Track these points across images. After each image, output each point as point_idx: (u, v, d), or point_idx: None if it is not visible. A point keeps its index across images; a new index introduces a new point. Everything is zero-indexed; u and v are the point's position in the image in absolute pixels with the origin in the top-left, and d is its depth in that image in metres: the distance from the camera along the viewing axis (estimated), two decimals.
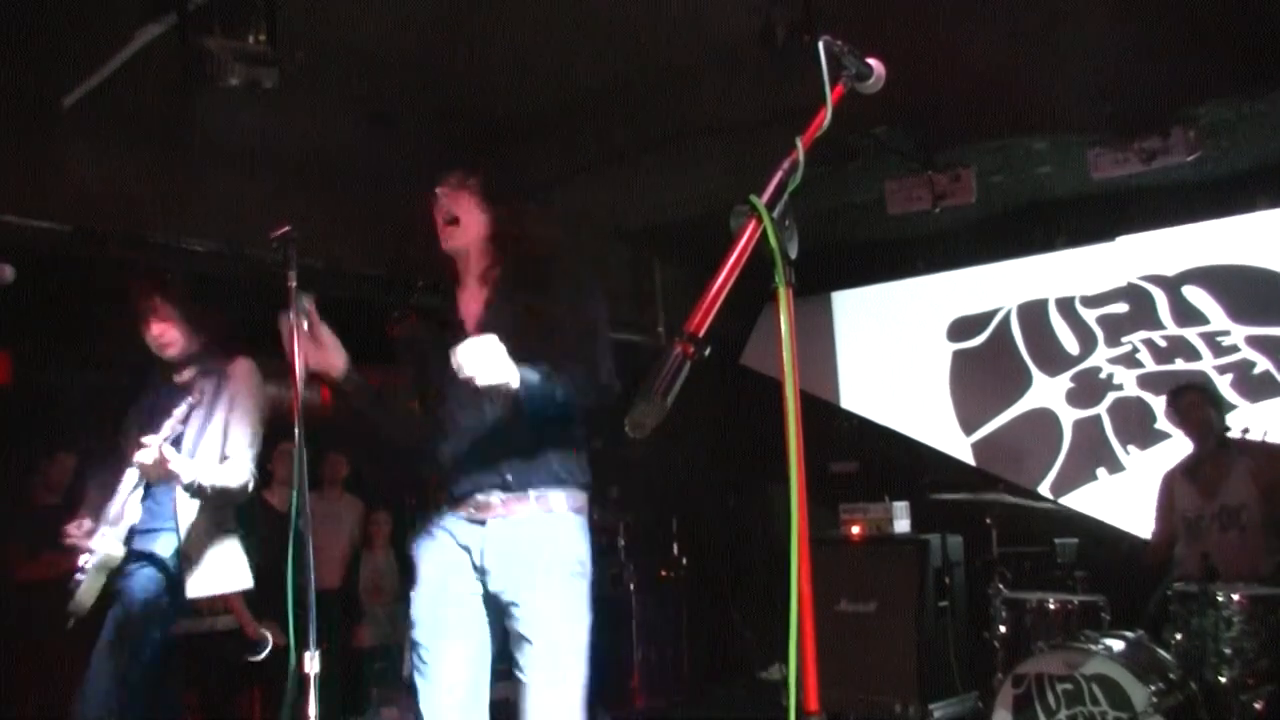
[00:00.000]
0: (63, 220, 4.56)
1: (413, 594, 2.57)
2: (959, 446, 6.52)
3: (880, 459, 6.70)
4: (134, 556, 3.58)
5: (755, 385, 6.79)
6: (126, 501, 3.57)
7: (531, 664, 2.41)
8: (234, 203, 5.07)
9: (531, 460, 2.50)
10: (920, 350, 6.76)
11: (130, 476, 3.55)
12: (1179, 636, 4.08)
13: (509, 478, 2.48)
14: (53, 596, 5.56)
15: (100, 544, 3.55)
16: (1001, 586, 4.66)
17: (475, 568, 2.49)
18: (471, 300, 2.71)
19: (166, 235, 4.91)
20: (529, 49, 4.05)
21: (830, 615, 5.52)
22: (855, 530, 5.88)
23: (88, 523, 3.61)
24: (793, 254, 1.54)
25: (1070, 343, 6.27)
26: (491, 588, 2.48)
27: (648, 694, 6.46)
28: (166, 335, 3.74)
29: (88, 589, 3.61)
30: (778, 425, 1.48)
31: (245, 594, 4.10)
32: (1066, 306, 6.30)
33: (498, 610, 2.50)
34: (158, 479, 3.50)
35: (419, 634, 2.52)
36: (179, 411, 3.51)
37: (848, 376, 7.10)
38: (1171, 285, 5.95)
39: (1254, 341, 5.66)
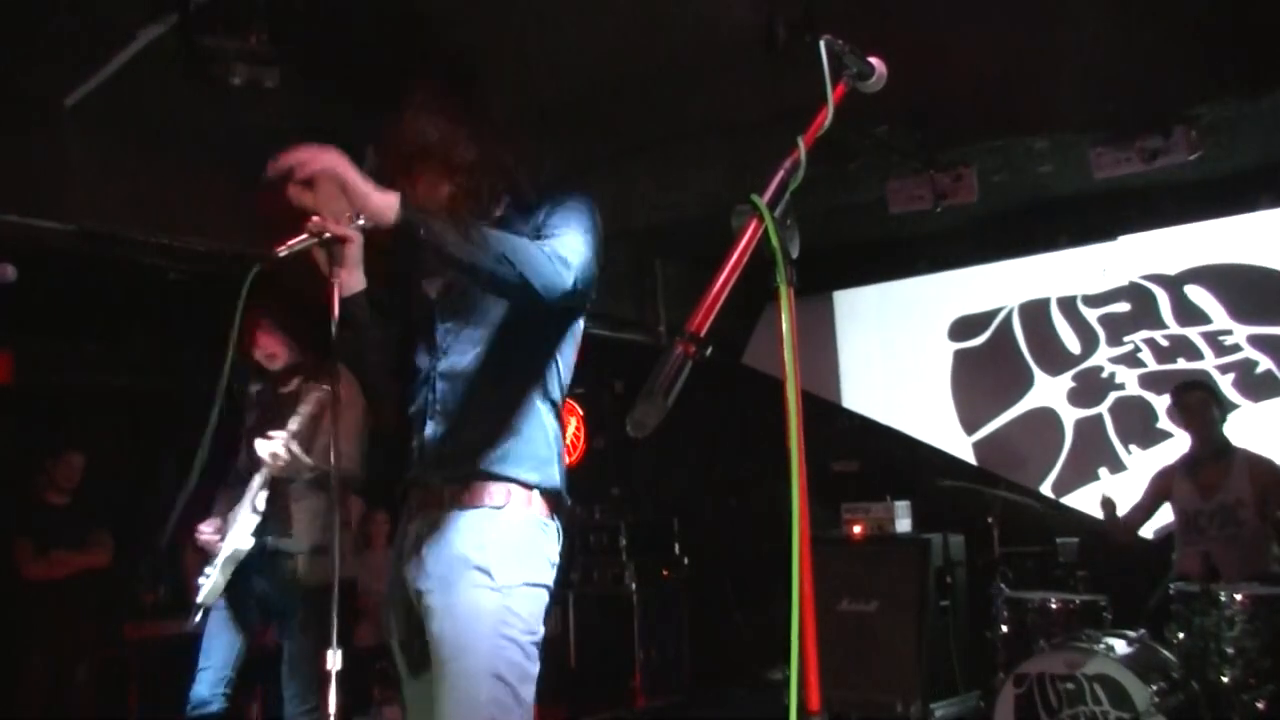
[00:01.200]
0: (65, 220, 4.56)
1: None
2: (960, 446, 6.51)
3: (882, 458, 6.70)
4: (269, 547, 3.89)
5: (756, 385, 6.79)
6: (255, 498, 3.87)
7: None
8: (234, 202, 5.07)
9: None
10: (922, 350, 6.75)
11: (259, 476, 3.85)
12: (1181, 636, 4.08)
13: None
14: (64, 596, 5.62)
15: (230, 539, 3.84)
16: (1003, 586, 4.66)
17: None
18: None
19: (168, 235, 4.91)
20: (528, 49, 4.05)
21: (832, 615, 5.52)
22: (857, 530, 5.88)
23: (217, 521, 3.94)
24: (794, 253, 1.54)
25: (1072, 342, 6.27)
26: None
27: (649, 693, 6.46)
28: (272, 349, 4.10)
29: (216, 584, 3.87)
30: (779, 425, 1.48)
31: None
32: (1068, 306, 6.30)
33: None
34: (285, 474, 3.83)
35: None
36: (302, 412, 3.86)
37: (849, 376, 7.09)
38: (1173, 284, 5.95)
39: (1256, 341, 5.66)
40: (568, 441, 7.71)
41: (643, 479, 7.57)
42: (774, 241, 1.52)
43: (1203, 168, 5.05)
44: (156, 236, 4.87)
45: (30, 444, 6.12)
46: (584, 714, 6.30)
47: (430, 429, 2.21)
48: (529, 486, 2.16)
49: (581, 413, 7.71)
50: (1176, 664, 3.95)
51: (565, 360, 2.29)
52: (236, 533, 3.85)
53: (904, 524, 5.87)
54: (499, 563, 2.09)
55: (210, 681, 3.83)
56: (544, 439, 2.22)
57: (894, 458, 6.68)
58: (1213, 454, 4.67)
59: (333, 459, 2.72)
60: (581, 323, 2.33)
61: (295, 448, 3.77)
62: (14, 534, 5.67)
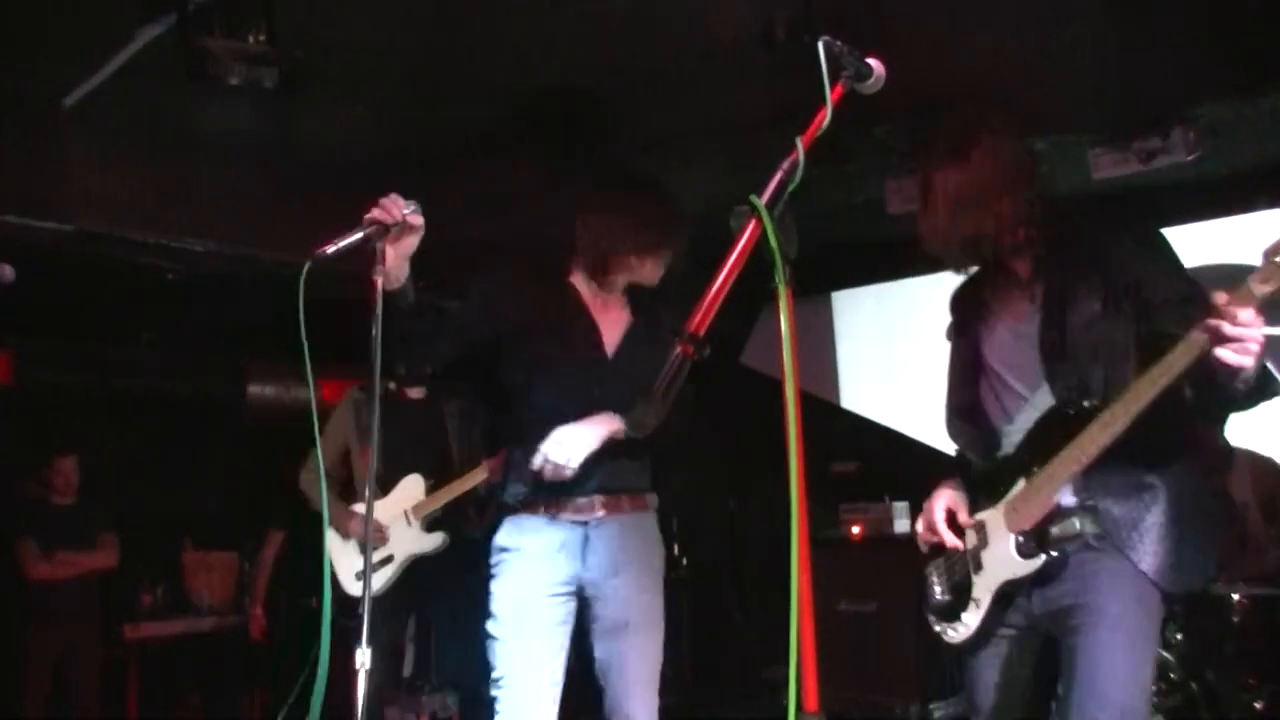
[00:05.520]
0: (64, 220, 4.56)
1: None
2: None
3: (880, 459, 6.69)
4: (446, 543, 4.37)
5: (755, 385, 6.78)
6: (437, 500, 4.36)
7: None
8: (234, 203, 5.07)
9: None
10: (920, 350, 6.73)
11: (413, 478, 4.38)
12: (1180, 636, 4.08)
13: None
14: (67, 596, 5.61)
15: (411, 538, 4.34)
16: None
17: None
18: (607, 312, 2.84)
19: (167, 235, 4.91)
20: (528, 48, 4.05)
21: (830, 615, 5.52)
22: (855, 530, 5.88)
23: (383, 523, 4.36)
24: (793, 254, 1.55)
25: None
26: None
27: None
28: None
29: (388, 576, 4.32)
30: (778, 425, 1.48)
31: None
32: None
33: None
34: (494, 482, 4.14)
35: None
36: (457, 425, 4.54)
37: (848, 376, 7.09)
38: None
39: None
40: None
41: None
42: (773, 242, 1.52)
43: (1201, 169, 5.04)
44: (155, 237, 4.87)
45: (30, 444, 6.12)
46: (582, 715, 6.28)
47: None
48: None
49: None
50: (1175, 664, 3.95)
51: None
52: (409, 536, 4.33)
53: (903, 524, 5.86)
54: None
55: None
56: None
57: (893, 458, 6.67)
58: (1213, 454, 4.67)
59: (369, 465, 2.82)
60: None
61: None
62: (17, 534, 5.67)
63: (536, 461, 2.61)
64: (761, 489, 6.96)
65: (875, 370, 6.99)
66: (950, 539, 2.37)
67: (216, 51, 3.33)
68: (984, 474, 2.36)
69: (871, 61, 1.74)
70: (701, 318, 1.46)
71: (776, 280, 1.52)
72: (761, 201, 1.54)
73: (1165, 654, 4.00)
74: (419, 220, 2.25)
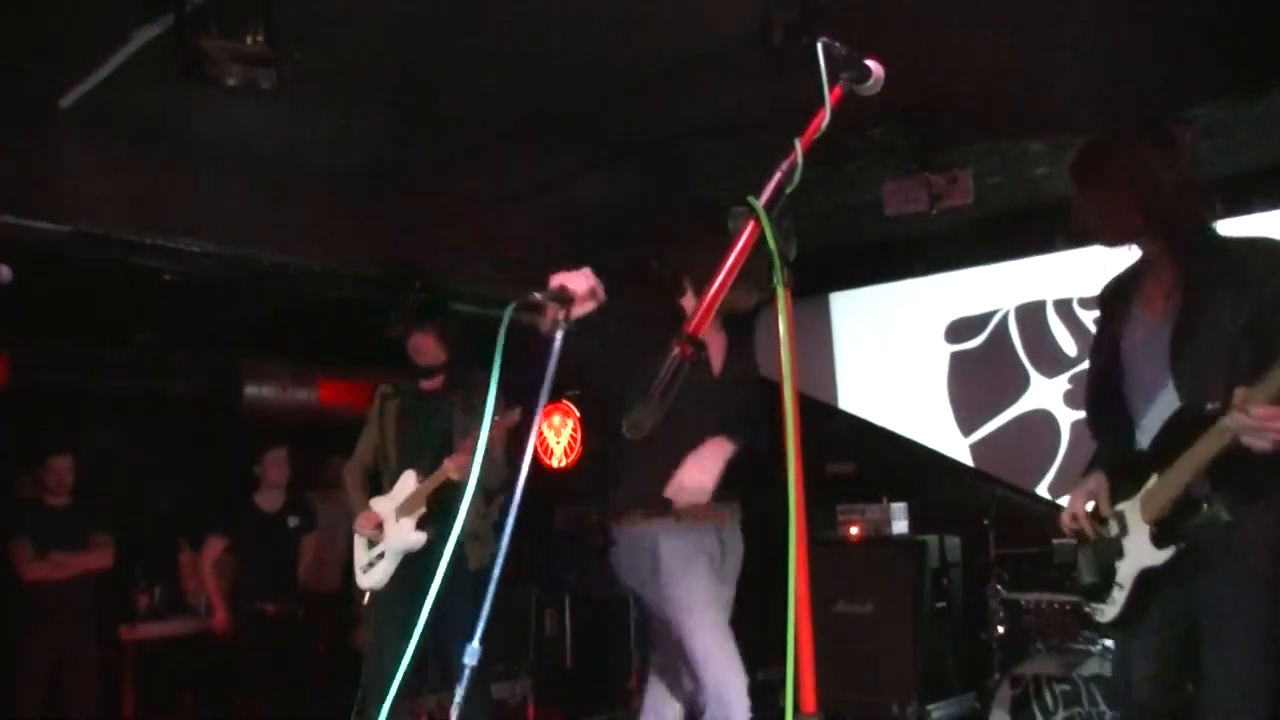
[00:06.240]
0: (61, 221, 4.55)
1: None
2: (957, 448, 6.52)
3: (878, 460, 6.70)
4: (438, 537, 4.25)
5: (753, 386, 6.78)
6: (419, 495, 4.29)
7: None
8: (231, 204, 5.07)
9: None
10: (918, 351, 6.75)
11: (411, 473, 4.31)
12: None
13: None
14: (62, 597, 5.61)
15: (397, 534, 4.30)
16: (999, 587, 4.66)
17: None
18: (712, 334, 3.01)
19: (164, 236, 4.90)
20: (527, 48, 4.05)
21: (828, 616, 5.52)
22: (853, 531, 5.88)
23: (373, 515, 4.38)
24: (791, 255, 1.55)
25: (1068, 344, 6.27)
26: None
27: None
28: (424, 345, 4.39)
29: (384, 571, 4.34)
30: (776, 426, 1.48)
31: None
32: (1064, 308, 6.30)
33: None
34: (461, 478, 4.12)
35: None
36: (461, 419, 4.31)
37: (846, 378, 7.09)
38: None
39: None
40: (564, 443, 7.73)
41: None
42: (770, 243, 1.52)
43: (1199, 170, 5.05)
44: (152, 237, 4.87)
45: (27, 445, 6.11)
46: (581, 714, 6.30)
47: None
48: None
49: (579, 413, 7.71)
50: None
51: None
52: (401, 530, 4.27)
53: (900, 525, 5.87)
54: None
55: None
56: None
57: (890, 459, 6.67)
58: None
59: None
60: None
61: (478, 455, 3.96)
62: (11, 535, 5.66)
63: (672, 492, 2.94)
64: (758, 490, 6.96)
65: (872, 372, 6.99)
66: (1091, 530, 2.59)
67: (214, 52, 3.33)
68: (1123, 466, 2.55)
69: (870, 63, 1.74)
70: (700, 319, 1.46)
71: (775, 281, 1.52)
72: (760, 203, 1.54)
73: None
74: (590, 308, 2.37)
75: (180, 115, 4.46)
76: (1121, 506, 2.53)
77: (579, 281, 2.31)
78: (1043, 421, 6.28)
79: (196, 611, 6.63)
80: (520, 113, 4.64)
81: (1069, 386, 6.23)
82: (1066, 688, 3.91)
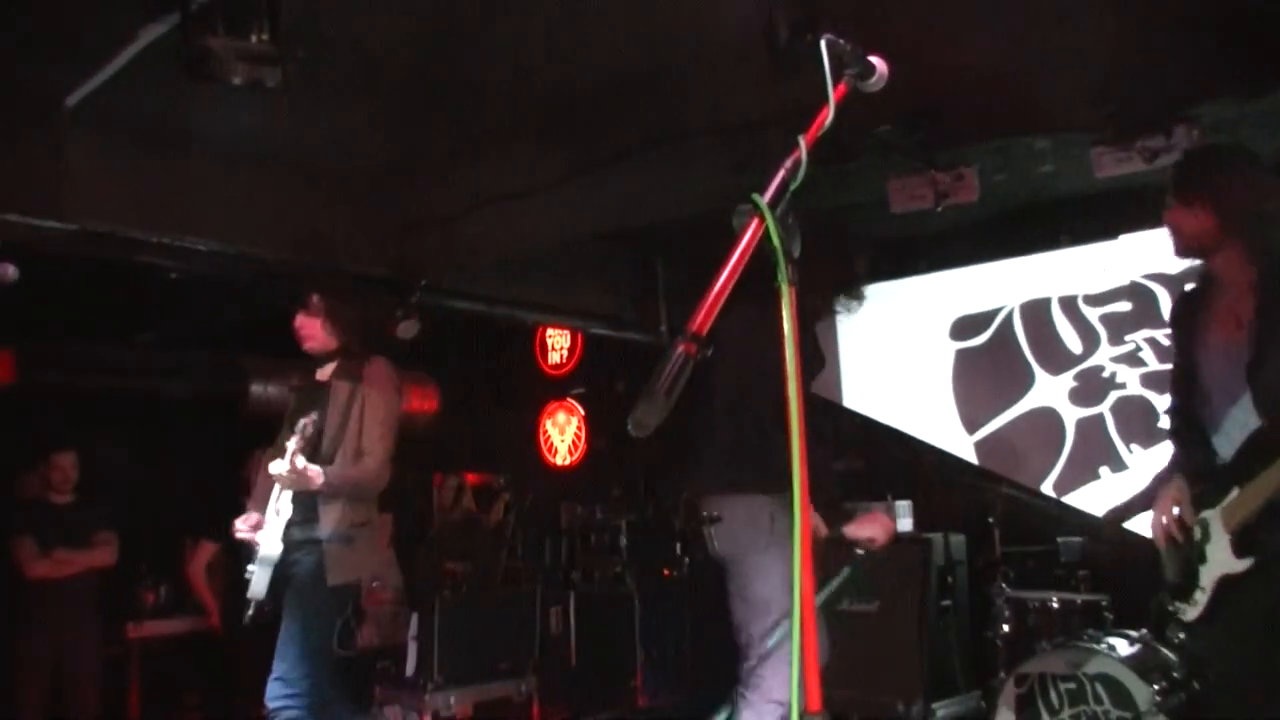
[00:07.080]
0: (66, 220, 4.56)
1: None
2: (962, 445, 6.51)
3: (883, 458, 6.69)
4: (297, 546, 3.84)
5: None
6: (279, 500, 3.84)
7: None
8: (236, 202, 5.07)
9: None
10: (923, 349, 6.75)
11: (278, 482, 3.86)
12: (1183, 636, 4.07)
13: None
14: (66, 595, 5.62)
15: (261, 542, 3.84)
16: (1004, 586, 4.66)
17: None
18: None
19: (169, 234, 4.90)
20: (529, 48, 4.05)
21: (832, 615, 5.51)
22: None
23: (255, 516, 3.94)
24: (795, 253, 1.55)
25: (1073, 341, 6.27)
26: None
27: (650, 694, 6.46)
28: (307, 329, 4.06)
29: (259, 580, 3.87)
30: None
31: None
32: (1069, 305, 6.29)
33: None
34: (295, 487, 3.76)
35: None
36: (313, 417, 3.82)
37: (850, 375, 7.09)
38: (1175, 284, 5.93)
39: None
40: (569, 441, 7.73)
41: (645, 478, 7.56)
42: (775, 241, 1.52)
43: None
44: (157, 236, 4.87)
45: (32, 442, 6.13)
46: (585, 714, 6.30)
47: None
48: None
49: (582, 413, 7.71)
50: (1178, 664, 3.94)
51: None
52: (267, 537, 3.85)
53: (905, 523, 5.86)
54: None
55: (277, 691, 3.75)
56: None
57: (895, 457, 6.67)
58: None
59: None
60: None
61: (300, 463, 3.70)
62: (15, 533, 5.67)
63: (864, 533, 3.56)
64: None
65: (877, 369, 6.99)
66: (1180, 533, 2.73)
67: (219, 51, 3.33)
68: (1207, 476, 2.69)
69: (874, 60, 1.74)
70: (704, 317, 1.46)
71: (779, 279, 1.52)
72: (764, 200, 1.54)
73: (1167, 654, 3.99)
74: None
75: (185, 114, 4.46)
76: (1205, 514, 2.65)
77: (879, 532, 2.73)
78: (1048, 419, 6.27)
79: (202, 609, 6.65)
80: (524, 111, 4.64)
81: (1074, 384, 6.22)
82: (1072, 686, 3.91)
